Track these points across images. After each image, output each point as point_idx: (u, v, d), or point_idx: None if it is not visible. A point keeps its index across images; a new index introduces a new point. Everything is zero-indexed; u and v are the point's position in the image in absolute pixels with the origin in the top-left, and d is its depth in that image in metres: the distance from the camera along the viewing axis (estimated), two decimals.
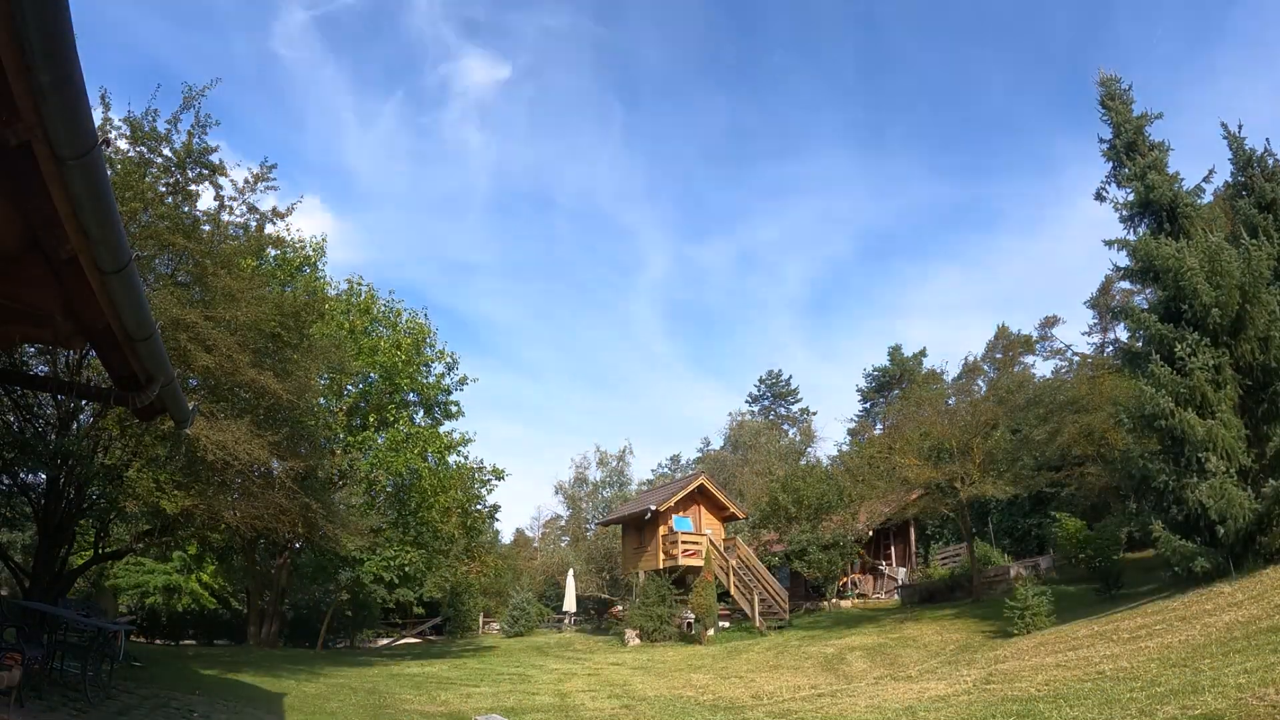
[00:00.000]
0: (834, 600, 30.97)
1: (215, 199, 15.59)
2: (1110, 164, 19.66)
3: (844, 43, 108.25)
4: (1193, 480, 15.79)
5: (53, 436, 14.50)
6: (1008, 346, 44.98)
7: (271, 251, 19.14)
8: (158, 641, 25.67)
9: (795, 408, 66.30)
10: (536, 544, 65.29)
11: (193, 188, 14.91)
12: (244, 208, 16.08)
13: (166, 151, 14.36)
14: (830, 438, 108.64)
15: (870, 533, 32.80)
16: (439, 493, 26.59)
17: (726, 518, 32.89)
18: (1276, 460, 14.88)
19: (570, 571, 39.53)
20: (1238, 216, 18.58)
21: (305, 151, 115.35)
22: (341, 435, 24.63)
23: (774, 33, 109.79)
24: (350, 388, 25.86)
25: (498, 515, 33.34)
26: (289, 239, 20.73)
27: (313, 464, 18.03)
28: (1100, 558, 18.92)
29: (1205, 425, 15.72)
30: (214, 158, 14.99)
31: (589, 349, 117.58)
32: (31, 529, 19.72)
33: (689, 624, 27.18)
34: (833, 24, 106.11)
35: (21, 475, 15.54)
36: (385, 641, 36.67)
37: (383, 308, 28.57)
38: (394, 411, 26.96)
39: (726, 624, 27.94)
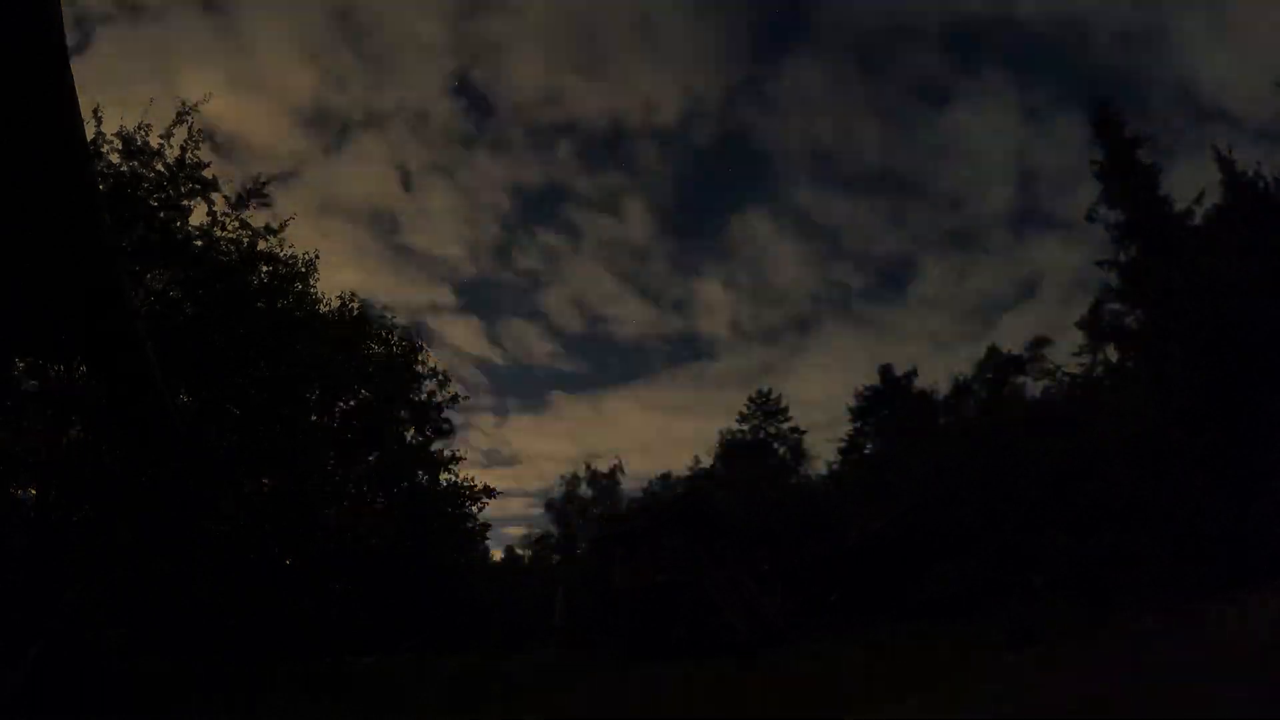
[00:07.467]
0: (829, 615, 30.82)
1: (208, 214, 15.56)
2: (1102, 184, 19.83)
3: None
4: (1181, 497, 15.83)
5: (43, 451, 14.37)
6: (998, 367, 44.95)
7: (264, 268, 19.05)
8: (145, 657, 25.36)
9: (785, 426, 66.12)
10: (526, 561, 64.92)
11: (185, 203, 14.88)
12: (236, 223, 16.06)
13: (159, 166, 14.33)
14: (821, 455, 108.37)
15: (862, 548, 32.69)
16: (430, 508, 26.48)
17: (717, 534, 32.73)
18: (1267, 475, 14.90)
19: (560, 589, 39.31)
20: (1227, 236, 18.70)
21: None
22: (333, 453, 24.46)
23: None
24: (341, 404, 25.71)
25: (487, 535, 33.20)
26: (281, 255, 20.64)
27: (303, 478, 17.92)
28: (1091, 575, 18.89)
29: (1194, 442, 15.77)
30: (206, 173, 14.98)
31: None
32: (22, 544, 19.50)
33: (682, 640, 27.01)
34: None
35: (11, 490, 15.39)
36: (374, 658, 36.30)
37: (374, 325, 28.42)
38: (387, 428, 26.81)
39: (719, 639, 27.76)
